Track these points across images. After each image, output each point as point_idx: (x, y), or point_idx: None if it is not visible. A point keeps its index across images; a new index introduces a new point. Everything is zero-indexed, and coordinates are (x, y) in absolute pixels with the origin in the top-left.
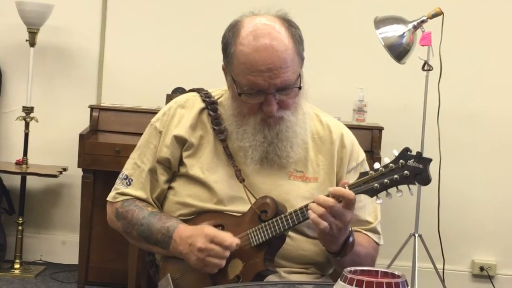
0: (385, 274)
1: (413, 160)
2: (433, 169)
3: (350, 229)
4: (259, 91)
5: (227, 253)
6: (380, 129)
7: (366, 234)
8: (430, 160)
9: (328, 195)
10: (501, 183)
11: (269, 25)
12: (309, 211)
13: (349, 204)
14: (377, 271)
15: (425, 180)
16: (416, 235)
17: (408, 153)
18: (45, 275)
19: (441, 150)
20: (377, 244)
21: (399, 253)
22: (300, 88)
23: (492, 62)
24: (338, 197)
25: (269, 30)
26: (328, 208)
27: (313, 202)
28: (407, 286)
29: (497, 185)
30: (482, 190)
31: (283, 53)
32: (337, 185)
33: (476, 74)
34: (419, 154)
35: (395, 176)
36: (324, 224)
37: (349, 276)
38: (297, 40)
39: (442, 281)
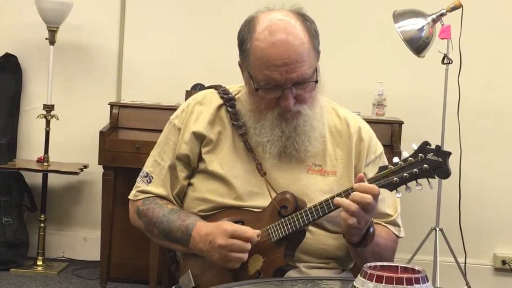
0: (405, 270)
1: (432, 153)
2: (453, 162)
3: (371, 220)
4: (276, 86)
5: (249, 246)
6: (400, 123)
7: (386, 227)
8: (450, 153)
9: (349, 190)
10: None
11: (284, 20)
12: (339, 202)
13: (374, 198)
14: (396, 267)
15: (444, 173)
16: (437, 229)
17: (427, 146)
18: (67, 271)
19: (462, 143)
20: (397, 236)
21: (420, 247)
22: (316, 82)
23: None
24: (362, 192)
25: (284, 25)
26: (366, 205)
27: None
28: (427, 281)
29: None
30: (503, 183)
31: (299, 47)
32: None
33: (496, 67)
34: (438, 147)
35: (415, 170)
36: (353, 219)
37: (369, 271)
38: (313, 34)
39: (464, 275)
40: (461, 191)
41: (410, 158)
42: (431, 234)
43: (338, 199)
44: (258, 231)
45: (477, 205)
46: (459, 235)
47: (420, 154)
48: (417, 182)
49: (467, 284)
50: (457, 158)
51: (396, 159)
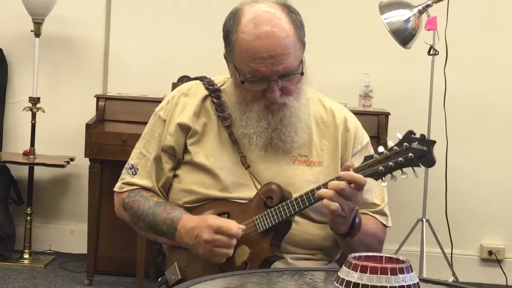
0: (390, 260)
1: (417, 142)
2: (440, 153)
3: (356, 209)
4: (262, 78)
5: (234, 242)
6: (387, 115)
7: (374, 216)
8: (434, 142)
9: (335, 179)
10: (508, 167)
11: (269, 11)
12: (319, 193)
13: (360, 187)
14: (381, 257)
15: (429, 162)
16: (424, 220)
17: (412, 135)
18: (54, 264)
19: (448, 134)
20: (385, 226)
21: (407, 238)
22: (302, 73)
23: (498, 46)
24: (349, 181)
25: (269, 17)
26: (340, 191)
27: (322, 186)
28: (412, 271)
29: (504, 168)
30: (490, 174)
31: (284, 39)
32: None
33: (482, 58)
34: (423, 136)
35: (400, 158)
36: (335, 205)
37: (353, 262)
38: (298, 25)
39: (451, 265)
40: (448, 182)
41: (395, 147)
42: (417, 225)
43: (319, 191)
44: (242, 226)
45: (464, 196)
46: (446, 226)
47: (405, 143)
48: (402, 171)
49: (454, 274)
50: (443, 149)
51: (381, 148)
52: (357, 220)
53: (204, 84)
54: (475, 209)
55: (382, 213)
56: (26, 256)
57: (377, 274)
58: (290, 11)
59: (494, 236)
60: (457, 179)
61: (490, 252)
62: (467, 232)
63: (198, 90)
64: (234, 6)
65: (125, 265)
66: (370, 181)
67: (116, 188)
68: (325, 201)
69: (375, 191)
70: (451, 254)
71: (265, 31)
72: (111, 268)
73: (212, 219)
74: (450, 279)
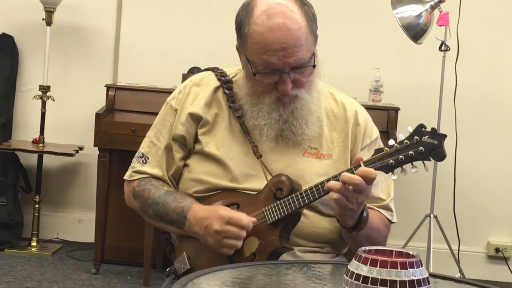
0: (400, 254)
1: (428, 136)
2: (449, 149)
3: (364, 203)
4: (274, 71)
5: (244, 233)
6: (397, 110)
7: (379, 211)
8: (445, 136)
9: (346, 171)
10: None
11: (282, 3)
12: (328, 185)
13: (370, 181)
14: (391, 251)
15: (440, 155)
16: (432, 215)
17: (423, 129)
18: (61, 253)
19: (458, 130)
20: (390, 221)
21: (414, 233)
22: (314, 66)
23: (510, 43)
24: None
25: (282, 9)
26: (354, 186)
27: (332, 179)
28: (421, 266)
29: None
30: (498, 171)
31: (296, 31)
32: (351, 162)
33: (493, 54)
34: (434, 130)
35: (410, 152)
36: (337, 194)
37: (363, 255)
38: (310, 18)
39: (457, 262)
40: (456, 178)
41: (405, 141)
42: (425, 221)
43: (328, 184)
44: (253, 219)
45: (472, 193)
46: (453, 222)
47: (415, 137)
48: (412, 164)
49: (460, 271)
50: (452, 145)
51: (391, 142)
52: (364, 214)
53: (216, 75)
54: (483, 206)
55: (387, 208)
56: (33, 244)
57: (387, 268)
58: (303, 4)
59: (501, 233)
60: (465, 175)
61: (497, 250)
62: (474, 229)
63: (210, 81)
64: None
65: (132, 255)
66: (377, 175)
67: (126, 177)
68: (331, 193)
69: (382, 185)
70: (458, 250)
71: (278, 23)
72: (118, 257)
73: (223, 210)
74: (457, 275)
